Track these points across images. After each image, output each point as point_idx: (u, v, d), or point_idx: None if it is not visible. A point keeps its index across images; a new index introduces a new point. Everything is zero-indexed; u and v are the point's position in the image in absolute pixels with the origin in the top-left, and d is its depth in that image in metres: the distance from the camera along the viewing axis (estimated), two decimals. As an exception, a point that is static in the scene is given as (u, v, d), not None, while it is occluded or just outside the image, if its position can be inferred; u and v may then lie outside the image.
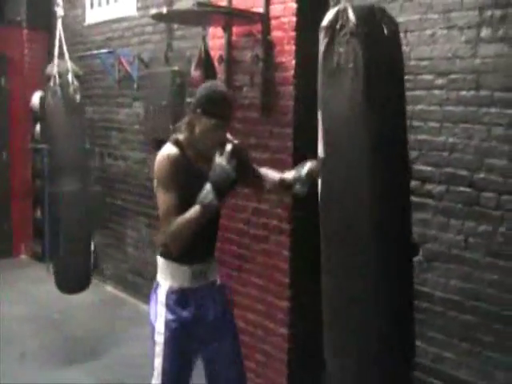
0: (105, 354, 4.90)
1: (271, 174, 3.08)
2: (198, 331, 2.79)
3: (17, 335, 5.28)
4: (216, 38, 4.52)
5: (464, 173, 3.20)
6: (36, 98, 7.38)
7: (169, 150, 2.67)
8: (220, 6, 4.26)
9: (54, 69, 4.80)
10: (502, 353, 3.04)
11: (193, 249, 2.64)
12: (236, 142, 2.76)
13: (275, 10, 4.01)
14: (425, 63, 3.36)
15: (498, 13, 3.06)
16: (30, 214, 7.77)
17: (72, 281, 4.99)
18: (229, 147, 2.58)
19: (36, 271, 7.17)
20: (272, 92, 4.05)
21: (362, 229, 2.32)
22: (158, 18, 4.37)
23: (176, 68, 5.16)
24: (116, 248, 6.49)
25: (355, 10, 2.30)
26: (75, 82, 4.89)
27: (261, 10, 4.11)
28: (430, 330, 3.35)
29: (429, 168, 3.35)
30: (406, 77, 3.37)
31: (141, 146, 5.93)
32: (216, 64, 4.39)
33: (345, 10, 2.31)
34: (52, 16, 7.57)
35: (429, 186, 3.35)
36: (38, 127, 7.41)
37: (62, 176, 4.82)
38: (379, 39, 2.32)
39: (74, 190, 4.82)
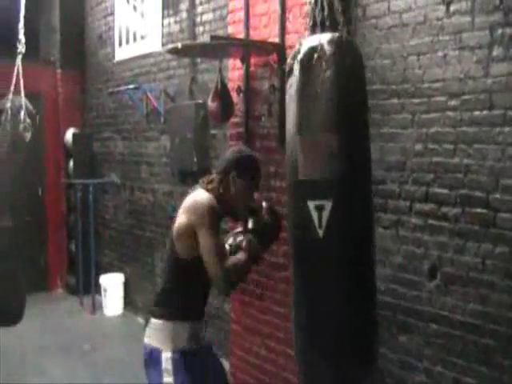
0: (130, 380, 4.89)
1: None
2: None
3: (47, 364, 5.35)
4: (235, 70, 4.60)
5: (479, 194, 3.15)
6: (69, 135, 7.55)
7: (209, 199, 2.73)
8: (235, 39, 4.34)
9: (6, 103, 4.56)
10: (521, 377, 2.96)
11: (198, 303, 2.82)
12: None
13: (290, 39, 4.07)
14: (437, 85, 3.34)
15: (508, 31, 3.03)
16: (65, 247, 7.88)
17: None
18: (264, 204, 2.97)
19: (70, 304, 7.25)
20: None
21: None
22: (174, 52, 4.45)
23: (200, 101, 5.22)
24: (146, 279, 6.53)
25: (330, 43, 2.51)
26: (27, 120, 4.54)
27: (277, 40, 4.16)
28: (449, 355, 3.27)
29: (444, 190, 3.31)
30: (419, 99, 3.41)
31: (168, 178, 6.00)
32: (235, 95, 4.45)
33: (321, 44, 2.52)
34: (84, 55, 7.82)
35: (445, 209, 3.31)
36: (71, 163, 7.55)
37: None
38: (347, 68, 2.54)
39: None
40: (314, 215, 2.51)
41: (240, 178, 2.82)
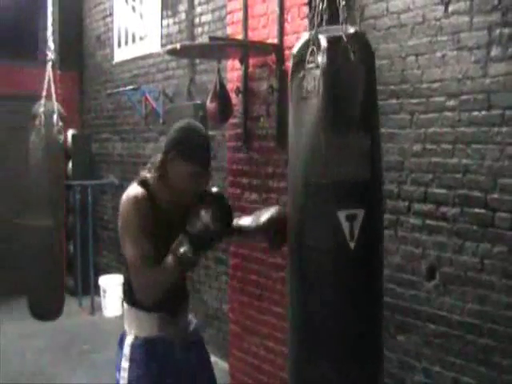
0: None
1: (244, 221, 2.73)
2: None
3: (46, 365, 5.36)
4: (234, 70, 4.60)
5: (478, 194, 3.16)
6: (68, 136, 7.54)
7: (135, 191, 2.40)
8: (233, 40, 4.35)
9: (40, 108, 4.77)
10: (520, 377, 2.97)
11: (163, 297, 2.38)
12: (216, 190, 2.48)
13: (289, 40, 4.07)
14: (436, 85, 3.35)
15: (506, 31, 3.04)
16: (63, 248, 7.86)
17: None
18: (211, 197, 2.36)
19: (69, 305, 7.20)
20: (287, 122, 4.07)
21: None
22: (173, 53, 4.45)
23: (198, 101, 5.23)
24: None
25: (326, 38, 2.21)
26: (60, 123, 4.82)
27: (275, 41, 4.17)
28: (448, 355, 3.28)
29: (443, 190, 3.32)
30: (418, 100, 3.42)
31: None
32: (233, 96, 4.45)
33: (316, 38, 2.22)
34: (83, 56, 7.83)
35: (443, 209, 3.31)
36: (70, 164, 7.55)
37: (34, 211, 4.82)
38: (369, 63, 2.26)
39: (43, 225, 4.76)
40: (345, 225, 2.16)
41: (180, 158, 2.37)
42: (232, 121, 4.62)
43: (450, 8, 3.26)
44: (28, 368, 5.29)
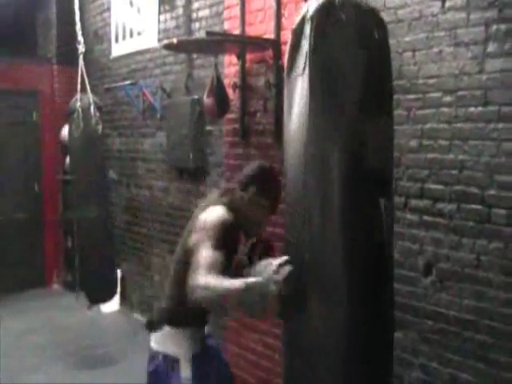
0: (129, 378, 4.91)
1: None
2: None
3: (44, 361, 5.36)
4: (231, 66, 4.59)
5: (475, 190, 3.15)
6: (65, 131, 7.49)
7: (225, 214, 2.62)
8: (230, 34, 4.33)
9: (77, 102, 5.05)
10: (517, 373, 2.97)
11: (203, 315, 2.70)
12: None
13: (286, 35, 4.05)
14: (432, 81, 3.34)
15: (503, 27, 3.03)
16: (61, 243, 7.87)
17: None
18: (286, 268, 2.18)
19: (66, 300, 7.23)
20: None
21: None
22: (170, 48, 4.44)
23: (196, 97, 5.22)
24: (142, 275, 6.53)
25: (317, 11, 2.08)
26: (97, 114, 5.11)
27: (272, 36, 4.16)
28: (445, 351, 3.28)
29: (439, 186, 3.31)
30: (415, 95, 3.41)
31: (164, 174, 5.99)
32: (231, 91, 4.44)
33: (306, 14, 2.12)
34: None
35: (440, 205, 3.31)
36: (67, 159, 7.52)
37: (81, 203, 5.24)
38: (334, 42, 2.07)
39: (93, 217, 5.14)
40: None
41: (260, 195, 2.71)
42: (229, 116, 4.61)
43: (447, 4, 3.25)
44: (25, 364, 5.29)
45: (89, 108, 5.11)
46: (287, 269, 2.16)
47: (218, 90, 4.33)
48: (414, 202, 3.43)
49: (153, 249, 6.30)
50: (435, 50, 3.33)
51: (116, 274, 5.66)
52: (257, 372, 4.46)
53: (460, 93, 3.22)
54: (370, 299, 2.14)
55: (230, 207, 2.69)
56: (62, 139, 7.55)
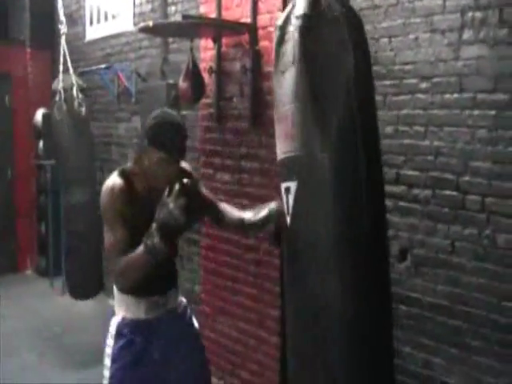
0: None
1: (231, 212, 2.88)
2: (150, 363, 2.66)
3: (17, 347, 5.32)
4: (207, 50, 4.56)
5: (450, 176, 3.17)
6: (39, 115, 7.43)
7: (113, 181, 2.52)
8: (206, 18, 4.30)
9: (59, 84, 4.94)
10: (489, 358, 2.99)
11: (148, 283, 2.47)
12: (189, 176, 2.56)
13: (262, 20, 4.04)
14: (409, 67, 3.34)
15: (478, 15, 3.04)
16: (34, 229, 7.80)
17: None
18: (177, 187, 2.33)
19: (40, 286, 7.20)
20: (261, 102, 4.06)
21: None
22: (145, 30, 4.39)
23: (171, 81, 5.17)
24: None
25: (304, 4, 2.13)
26: (80, 96, 5.01)
27: (248, 20, 4.13)
28: (419, 336, 3.31)
29: (415, 173, 3.32)
30: (391, 81, 3.41)
31: (139, 159, 5.94)
32: (206, 75, 4.41)
33: (294, 6, 2.18)
34: (55, 35, 7.68)
35: (415, 191, 3.32)
36: (41, 144, 7.45)
37: (70, 189, 5.06)
38: (323, 32, 2.10)
39: (81, 202, 4.99)
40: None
41: (152, 147, 2.48)
42: (205, 101, 4.58)
43: (424, -10, 3.25)
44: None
45: (71, 89, 5.01)
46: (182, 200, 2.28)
47: (194, 74, 4.29)
48: (389, 188, 3.43)
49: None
50: (411, 36, 3.33)
51: (102, 268, 5.45)
52: (231, 357, 4.46)
53: (436, 79, 3.22)
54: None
55: (129, 170, 2.57)
56: (35, 124, 7.49)
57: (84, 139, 5.22)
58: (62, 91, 4.94)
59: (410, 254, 3.36)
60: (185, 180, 2.40)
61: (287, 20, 2.22)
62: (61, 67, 5.00)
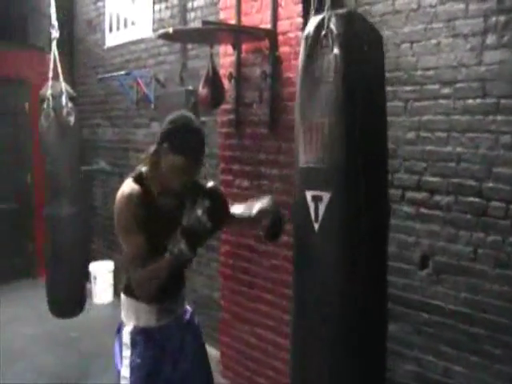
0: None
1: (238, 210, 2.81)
2: (166, 370, 2.65)
3: (34, 351, 5.34)
4: (227, 56, 4.55)
5: (472, 183, 3.14)
6: (58, 122, 7.45)
7: (130, 187, 2.46)
8: (226, 24, 4.29)
9: (47, 91, 4.67)
10: (511, 366, 2.95)
11: (163, 289, 2.44)
12: (211, 184, 2.49)
13: (282, 25, 4.03)
14: (430, 73, 3.32)
15: (502, 19, 3.01)
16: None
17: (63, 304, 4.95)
18: (205, 193, 2.36)
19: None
20: (280, 108, 4.05)
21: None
22: (164, 37, 4.39)
23: (190, 87, 5.17)
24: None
25: (338, 19, 2.26)
26: (69, 105, 4.73)
27: (268, 26, 4.12)
28: (440, 344, 3.27)
29: (436, 179, 3.30)
30: (412, 87, 3.39)
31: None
32: (226, 81, 4.41)
33: (329, 19, 2.26)
34: (74, 41, 7.74)
35: (437, 197, 3.29)
36: (59, 150, 7.46)
37: (54, 199, 4.78)
38: (358, 50, 2.28)
39: (63, 214, 4.74)
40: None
41: (172, 151, 2.41)
42: (224, 107, 4.58)
43: (446, -5, 3.23)
44: (16, 355, 5.25)
45: (60, 97, 4.72)
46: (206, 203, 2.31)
47: (214, 80, 4.28)
48: (410, 195, 3.42)
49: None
50: (433, 41, 3.31)
51: (84, 284, 5.23)
52: (248, 364, 4.44)
53: (458, 85, 3.20)
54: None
55: (144, 173, 2.51)
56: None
57: (71, 150, 4.89)
58: (51, 98, 4.65)
59: (431, 261, 3.33)
60: (210, 184, 2.43)
61: (319, 32, 2.29)
62: (50, 73, 4.79)
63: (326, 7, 2.28)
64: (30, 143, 7.78)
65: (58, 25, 7.65)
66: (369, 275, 2.28)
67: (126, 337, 2.62)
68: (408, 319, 3.43)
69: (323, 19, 2.28)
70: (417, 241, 3.38)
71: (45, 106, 4.66)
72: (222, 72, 4.49)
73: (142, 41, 6.19)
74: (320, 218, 2.26)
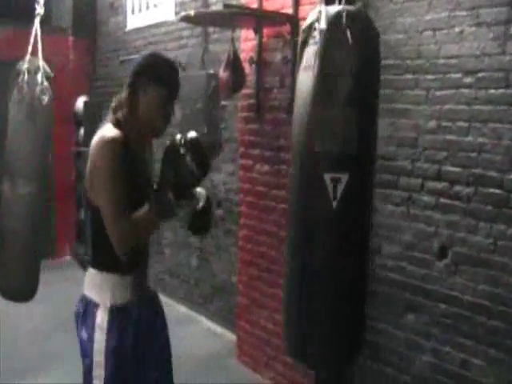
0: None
1: None
2: (150, 352, 2.46)
3: (53, 332, 5.39)
4: (248, 41, 4.54)
5: (493, 174, 3.10)
6: (80, 103, 7.47)
7: (112, 132, 2.26)
8: (247, 8, 4.27)
9: (23, 65, 4.37)
10: (529, 360, 2.94)
11: (135, 255, 2.31)
12: (193, 135, 2.27)
13: (304, 11, 3.99)
14: (453, 61, 3.27)
15: (527, 8, 2.97)
16: (73, 215, 7.88)
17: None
18: (189, 136, 2.20)
19: (77, 273, 7.26)
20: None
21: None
22: (186, 20, 4.38)
23: (211, 71, 5.16)
24: (153, 249, 6.52)
25: (327, 14, 2.53)
26: (45, 83, 4.44)
27: (290, 11, 4.09)
28: (457, 336, 3.25)
29: (457, 169, 3.26)
30: (434, 76, 3.34)
31: (178, 149, 5.95)
32: (247, 66, 4.39)
33: (320, 14, 2.54)
34: (96, 24, 7.75)
35: (457, 188, 3.26)
36: (81, 131, 7.51)
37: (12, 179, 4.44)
38: (342, 44, 2.51)
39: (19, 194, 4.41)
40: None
41: (153, 82, 2.29)
42: (245, 91, 4.56)
43: (470, -18, 3.18)
44: (37, 337, 5.31)
45: (36, 73, 4.39)
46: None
47: (235, 64, 4.27)
48: (430, 184, 3.39)
49: (164, 223, 6.27)
50: (456, 29, 3.26)
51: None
52: (266, 349, 4.46)
53: (480, 74, 3.15)
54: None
55: (124, 118, 2.33)
56: (76, 111, 7.55)
57: (38, 129, 4.56)
58: (26, 73, 4.31)
59: (450, 252, 3.30)
60: (191, 134, 2.25)
61: (311, 26, 2.60)
62: (29, 48, 4.56)
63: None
64: (52, 124, 7.81)
65: (80, 6, 7.73)
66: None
67: (103, 318, 2.35)
68: (426, 310, 3.41)
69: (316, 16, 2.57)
70: (436, 231, 3.36)
71: (19, 80, 4.36)
72: (243, 56, 4.48)
73: (163, 24, 6.18)
74: (338, 196, 2.54)
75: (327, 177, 2.53)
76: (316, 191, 2.57)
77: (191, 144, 2.20)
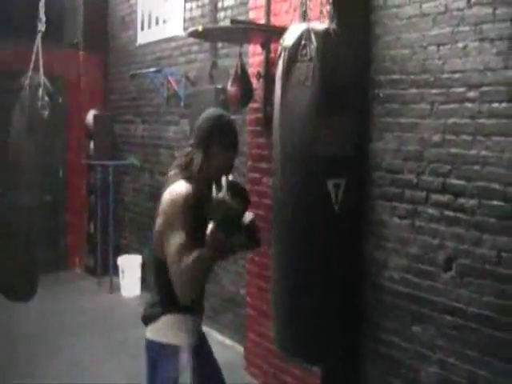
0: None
1: None
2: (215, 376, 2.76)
3: (67, 343, 5.43)
4: (256, 55, 4.59)
5: (497, 186, 3.13)
6: (90, 116, 7.57)
7: (186, 188, 2.49)
8: (255, 24, 4.33)
9: (26, 80, 4.52)
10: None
11: (197, 298, 2.53)
12: (230, 178, 2.50)
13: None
14: (457, 76, 3.32)
15: (530, 24, 3.01)
16: (84, 228, 7.96)
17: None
18: (223, 181, 2.39)
19: (88, 284, 7.34)
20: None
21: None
22: (195, 35, 4.45)
23: (220, 86, 5.23)
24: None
25: (316, 33, 2.98)
26: (45, 98, 4.52)
27: (297, 26, 4.14)
28: (464, 347, 3.28)
29: (461, 182, 3.30)
30: (438, 90, 3.39)
31: (187, 162, 6.01)
32: (254, 80, 4.45)
33: (308, 33, 3.00)
34: (107, 38, 7.85)
35: (461, 200, 3.30)
36: (91, 144, 7.59)
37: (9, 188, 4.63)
38: (334, 60, 2.98)
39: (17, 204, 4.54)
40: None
41: (223, 149, 2.55)
42: (252, 105, 4.62)
43: (473, -1, 3.23)
44: (47, 347, 5.35)
45: (38, 89, 4.49)
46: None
47: (243, 79, 4.34)
48: (435, 197, 3.43)
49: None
50: (460, 44, 3.31)
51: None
52: (275, 361, 4.49)
53: (484, 88, 3.20)
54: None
55: (192, 175, 2.54)
56: (87, 124, 7.63)
57: (38, 142, 4.66)
58: (28, 88, 4.45)
59: (455, 264, 3.33)
60: (229, 177, 2.45)
61: (298, 44, 3.06)
62: (31, 65, 4.63)
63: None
64: (64, 137, 7.91)
65: (91, 21, 7.83)
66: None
67: (184, 359, 2.57)
68: (432, 321, 3.44)
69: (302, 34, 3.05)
70: (441, 243, 3.39)
71: (21, 95, 4.52)
72: (251, 71, 4.54)
73: (173, 39, 6.27)
74: (339, 200, 3.04)
75: (330, 183, 3.01)
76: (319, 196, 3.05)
77: (230, 187, 2.40)
